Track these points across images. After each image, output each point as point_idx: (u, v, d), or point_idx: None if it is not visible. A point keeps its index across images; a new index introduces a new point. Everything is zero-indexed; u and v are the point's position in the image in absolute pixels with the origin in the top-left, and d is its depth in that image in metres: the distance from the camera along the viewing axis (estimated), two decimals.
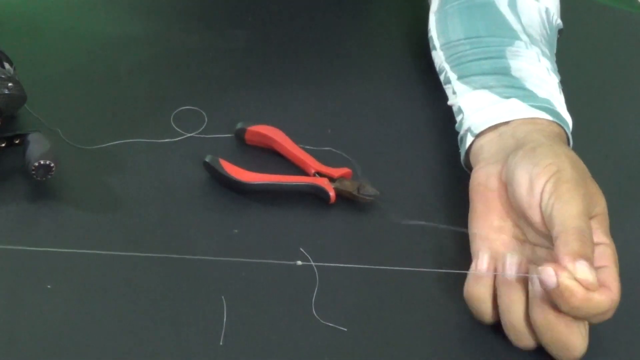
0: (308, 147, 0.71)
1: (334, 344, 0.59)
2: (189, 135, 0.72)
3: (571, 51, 0.80)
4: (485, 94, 0.69)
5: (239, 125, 0.72)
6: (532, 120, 0.66)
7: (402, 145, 0.75)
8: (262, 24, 0.86)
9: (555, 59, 0.74)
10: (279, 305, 0.61)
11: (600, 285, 0.55)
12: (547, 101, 0.68)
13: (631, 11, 1.02)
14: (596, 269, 0.56)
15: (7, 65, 0.69)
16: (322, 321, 0.60)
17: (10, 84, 0.67)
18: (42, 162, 0.63)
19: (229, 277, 0.62)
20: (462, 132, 0.69)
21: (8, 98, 0.67)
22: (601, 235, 0.59)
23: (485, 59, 0.72)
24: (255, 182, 0.67)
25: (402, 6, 0.92)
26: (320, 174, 0.69)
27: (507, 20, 0.73)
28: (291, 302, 0.61)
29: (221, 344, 0.58)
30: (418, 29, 0.85)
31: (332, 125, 0.76)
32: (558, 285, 0.53)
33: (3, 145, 0.67)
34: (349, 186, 0.68)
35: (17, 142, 0.67)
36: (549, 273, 0.53)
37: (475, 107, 0.69)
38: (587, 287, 0.54)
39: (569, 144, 0.68)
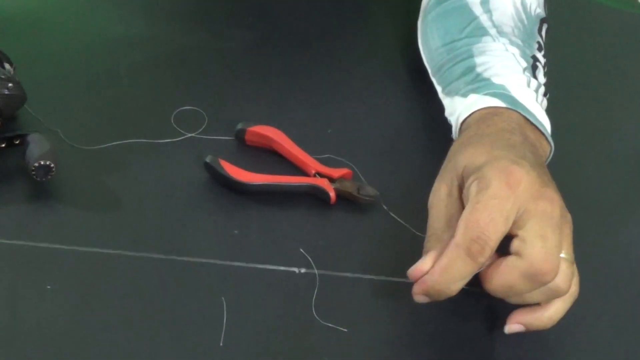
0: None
1: (334, 344, 0.59)
2: (189, 135, 0.72)
3: (571, 51, 0.80)
4: (456, 100, 0.70)
5: (239, 126, 0.72)
6: (483, 111, 0.66)
7: (403, 146, 0.75)
8: (262, 25, 0.86)
9: (536, 45, 0.74)
10: (279, 306, 0.61)
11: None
12: (502, 87, 0.68)
13: (631, 11, 1.02)
14: None
15: (7, 66, 0.69)
16: (322, 322, 0.60)
17: (10, 84, 0.67)
18: (42, 162, 0.63)
19: (229, 278, 0.62)
20: None
21: (8, 98, 0.67)
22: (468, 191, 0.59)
23: (457, 63, 0.73)
24: (256, 183, 0.67)
25: (403, 7, 0.92)
26: (321, 175, 0.69)
27: (477, 19, 0.74)
28: (291, 302, 0.61)
29: (221, 344, 0.58)
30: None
31: (332, 126, 0.76)
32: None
33: (3, 145, 0.67)
34: (349, 187, 0.68)
35: (17, 142, 0.67)
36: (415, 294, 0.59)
37: (450, 115, 0.71)
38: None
39: (529, 120, 0.66)
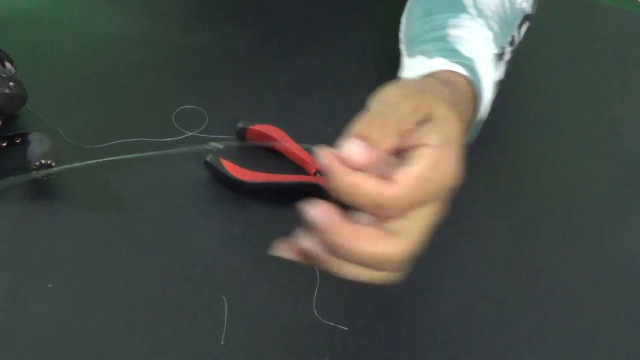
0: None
1: (334, 343, 0.59)
2: (190, 134, 0.72)
3: (571, 51, 0.80)
4: (418, 59, 0.69)
5: (240, 125, 0.72)
6: (447, 75, 0.64)
7: None
8: (262, 24, 0.86)
9: (510, 39, 0.73)
10: (280, 304, 0.61)
11: (390, 180, 0.49)
12: (470, 60, 0.68)
13: (631, 11, 1.02)
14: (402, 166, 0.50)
15: (8, 65, 0.69)
16: (322, 320, 0.60)
17: (11, 84, 0.67)
18: (42, 161, 0.63)
19: (230, 277, 0.62)
20: None
21: (9, 97, 0.67)
22: (428, 136, 0.51)
23: (429, 31, 0.72)
24: (256, 182, 0.67)
25: (403, 7, 0.92)
26: (321, 173, 0.69)
27: None
28: (292, 301, 0.61)
29: (222, 343, 0.58)
30: None
31: (332, 125, 0.76)
32: (323, 164, 0.49)
33: (4, 144, 0.67)
34: None
35: (18, 141, 0.67)
36: (320, 151, 0.49)
37: (407, 73, 0.69)
38: (354, 167, 0.49)
39: (477, 101, 0.65)
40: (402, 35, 0.78)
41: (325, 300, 0.61)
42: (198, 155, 0.69)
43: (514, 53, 0.74)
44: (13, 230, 0.63)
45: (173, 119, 0.73)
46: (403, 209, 0.50)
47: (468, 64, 0.67)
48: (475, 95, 0.65)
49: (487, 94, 0.67)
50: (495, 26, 0.72)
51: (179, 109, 0.73)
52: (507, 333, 0.61)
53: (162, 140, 0.71)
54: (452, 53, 0.68)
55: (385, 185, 0.49)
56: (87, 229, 0.64)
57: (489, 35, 0.71)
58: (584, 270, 0.62)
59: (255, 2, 0.88)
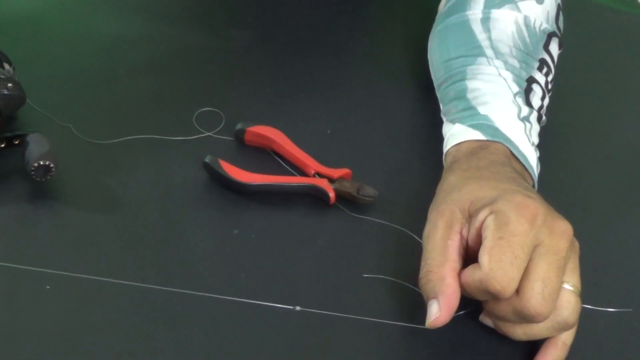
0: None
1: (334, 343, 0.59)
2: (191, 138, 0.72)
3: (571, 51, 0.80)
4: (447, 125, 0.71)
5: (239, 126, 0.72)
6: (469, 144, 0.67)
7: (402, 146, 0.75)
8: (261, 25, 0.86)
9: (537, 64, 0.73)
10: (281, 302, 0.61)
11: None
12: (486, 117, 0.68)
13: (631, 11, 1.02)
14: None
15: (6, 66, 0.69)
16: (322, 319, 0.60)
17: (9, 85, 0.67)
18: (41, 162, 0.63)
19: (229, 279, 0.62)
20: None
21: (7, 98, 0.67)
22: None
23: (451, 84, 0.73)
24: (255, 183, 0.67)
25: (403, 8, 0.92)
26: (320, 175, 0.69)
27: (475, 38, 0.73)
28: (292, 301, 0.61)
29: (222, 344, 0.58)
30: (418, 31, 0.85)
31: (331, 126, 0.76)
32: None
33: (2, 145, 0.67)
34: (348, 187, 0.68)
35: (16, 142, 0.67)
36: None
37: (444, 136, 0.71)
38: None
39: (512, 152, 0.66)
40: (433, 79, 0.78)
41: (324, 300, 0.61)
42: (197, 156, 0.69)
43: (551, 73, 0.74)
44: (11, 231, 0.63)
45: (178, 119, 0.73)
46: (512, 278, 0.55)
47: (484, 122, 0.67)
48: (507, 147, 0.66)
49: (517, 140, 0.67)
50: (515, 62, 0.72)
51: (199, 111, 0.73)
52: None
53: (160, 137, 0.71)
54: (468, 115, 0.69)
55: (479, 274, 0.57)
56: (86, 230, 0.64)
57: (507, 76, 0.71)
58: (584, 270, 0.61)
59: (255, 4, 0.88)
